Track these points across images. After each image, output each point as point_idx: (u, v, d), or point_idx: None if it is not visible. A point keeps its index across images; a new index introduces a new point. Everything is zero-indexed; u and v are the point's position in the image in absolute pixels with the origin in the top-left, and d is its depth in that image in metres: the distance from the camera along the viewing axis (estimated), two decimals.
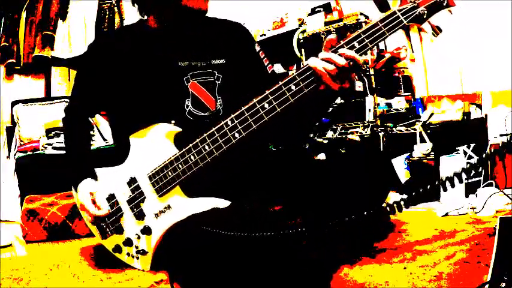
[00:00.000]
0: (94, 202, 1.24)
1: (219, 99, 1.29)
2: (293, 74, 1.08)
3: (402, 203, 0.87)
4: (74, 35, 3.52)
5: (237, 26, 1.38)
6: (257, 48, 1.36)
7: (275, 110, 1.08)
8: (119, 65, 1.26)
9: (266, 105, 1.08)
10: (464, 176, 0.80)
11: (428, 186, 0.85)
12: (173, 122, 1.18)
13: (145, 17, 1.31)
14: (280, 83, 1.08)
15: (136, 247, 1.22)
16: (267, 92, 1.08)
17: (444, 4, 1.03)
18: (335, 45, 1.06)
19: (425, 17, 1.03)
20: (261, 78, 1.33)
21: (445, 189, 0.83)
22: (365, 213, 0.90)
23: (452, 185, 0.81)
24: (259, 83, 1.29)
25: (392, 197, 2.38)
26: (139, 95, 1.25)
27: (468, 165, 0.81)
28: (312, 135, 3.24)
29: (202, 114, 1.26)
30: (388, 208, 0.89)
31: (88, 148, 1.40)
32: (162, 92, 1.24)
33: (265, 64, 1.35)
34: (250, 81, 1.32)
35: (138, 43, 1.27)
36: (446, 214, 1.86)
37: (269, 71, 1.35)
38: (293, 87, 1.07)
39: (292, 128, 1.29)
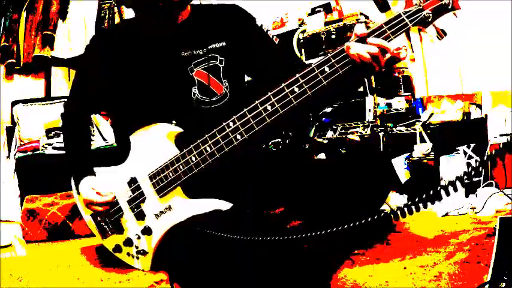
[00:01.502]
0: (98, 194, 1.24)
1: (224, 82, 1.29)
2: (297, 76, 1.07)
3: (405, 209, 0.87)
4: (74, 35, 3.52)
5: (232, 7, 1.37)
6: (258, 23, 1.35)
7: (278, 112, 1.08)
8: (120, 61, 1.26)
9: (269, 107, 1.08)
10: (466, 179, 0.80)
11: (431, 192, 0.84)
12: (174, 122, 1.18)
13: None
14: (283, 84, 1.08)
15: (137, 247, 1.22)
16: (270, 93, 1.08)
17: (449, 7, 1.03)
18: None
19: (430, 20, 1.03)
20: (270, 50, 1.32)
21: (447, 194, 0.83)
22: (369, 219, 0.90)
23: (455, 190, 0.81)
24: (269, 55, 1.29)
25: (393, 198, 2.38)
26: (145, 90, 1.25)
27: (469, 167, 0.81)
28: (312, 135, 3.24)
29: (210, 99, 1.26)
30: (391, 214, 0.89)
31: (88, 147, 1.40)
32: (168, 84, 1.25)
33: (271, 36, 1.34)
34: (259, 56, 1.31)
35: (140, 38, 1.27)
36: (446, 214, 1.86)
37: (276, 42, 1.34)
38: (296, 89, 1.07)
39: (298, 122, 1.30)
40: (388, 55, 1.04)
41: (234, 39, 1.31)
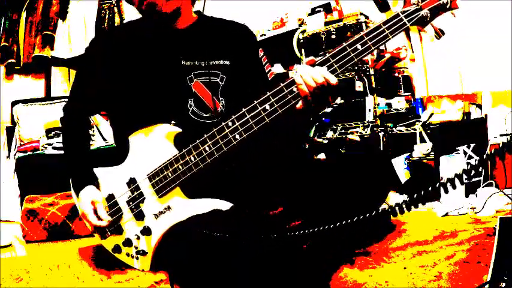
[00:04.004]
0: (95, 212, 1.23)
1: (221, 100, 1.29)
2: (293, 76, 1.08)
3: (404, 205, 0.87)
4: (74, 35, 3.52)
5: (242, 28, 1.38)
6: (260, 53, 1.36)
7: (276, 111, 1.08)
8: (120, 63, 1.26)
9: (268, 107, 1.08)
10: (465, 177, 0.80)
11: (430, 188, 0.84)
12: (173, 122, 1.18)
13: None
14: (282, 84, 1.08)
15: (136, 247, 1.22)
16: (269, 93, 1.08)
17: (448, 7, 1.03)
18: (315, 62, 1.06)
19: (428, 19, 1.03)
20: (261, 84, 1.32)
21: (446, 191, 0.83)
22: (367, 215, 0.90)
23: (454, 187, 0.81)
24: (259, 88, 1.30)
25: (393, 197, 2.38)
26: (142, 93, 1.25)
27: (469, 166, 0.81)
28: (312, 134, 3.24)
29: (205, 114, 1.26)
30: (389, 210, 0.89)
31: (87, 148, 1.40)
32: (166, 90, 1.24)
33: (267, 70, 1.35)
34: (251, 85, 1.32)
35: (141, 41, 1.27)
36: (446, 214, 1.86)
37: (269, 78, 1.35)
38: (295, 89, 1.07)
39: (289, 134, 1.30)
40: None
41: (238, 60, 1.31)
